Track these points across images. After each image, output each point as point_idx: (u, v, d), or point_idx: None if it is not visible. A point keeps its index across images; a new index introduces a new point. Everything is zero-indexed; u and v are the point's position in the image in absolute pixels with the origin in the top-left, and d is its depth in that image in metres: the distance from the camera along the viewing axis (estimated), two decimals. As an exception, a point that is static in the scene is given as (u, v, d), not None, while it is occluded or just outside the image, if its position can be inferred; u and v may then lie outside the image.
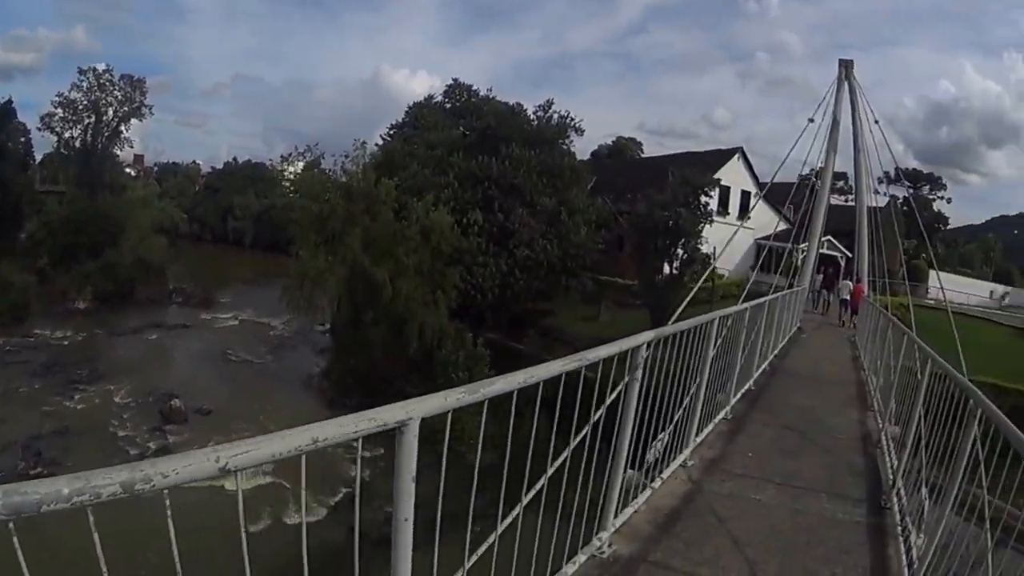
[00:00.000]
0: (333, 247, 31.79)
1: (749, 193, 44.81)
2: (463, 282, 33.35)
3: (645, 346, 4.56)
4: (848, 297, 27.51)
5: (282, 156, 79.56)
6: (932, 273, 46.36)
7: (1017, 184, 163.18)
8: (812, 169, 31.98)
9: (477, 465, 3.00)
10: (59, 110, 50.36)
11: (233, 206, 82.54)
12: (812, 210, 30.79)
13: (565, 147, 40.84)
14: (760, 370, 11.99)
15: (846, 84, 31.37)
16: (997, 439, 3.83)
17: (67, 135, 51.28)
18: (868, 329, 17.03)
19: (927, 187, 76.68)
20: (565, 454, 3.96)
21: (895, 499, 6.54)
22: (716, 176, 38.24)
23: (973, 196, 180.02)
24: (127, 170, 70.21)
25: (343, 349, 32.97)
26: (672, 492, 5.96)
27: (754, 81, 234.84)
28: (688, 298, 16.01)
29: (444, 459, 2.98)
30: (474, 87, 45.30)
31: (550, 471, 3.81)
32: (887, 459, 7.93)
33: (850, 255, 37.40)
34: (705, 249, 34.05)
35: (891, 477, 7.07)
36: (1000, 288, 62.67)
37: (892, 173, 45.48)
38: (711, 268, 30.94)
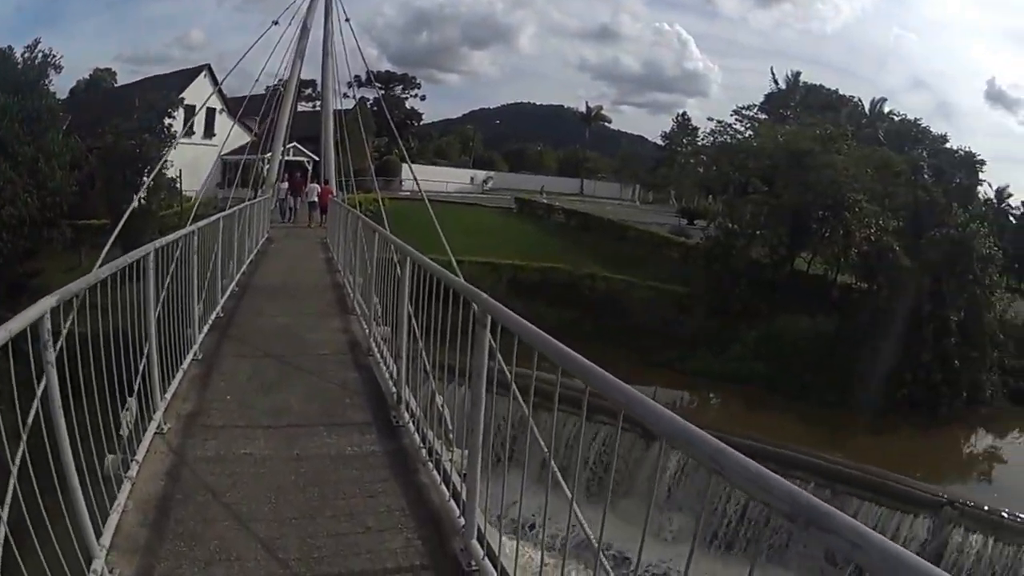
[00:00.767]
0: None
1: (215, 111, 44.95)
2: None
3: (48, 316, 3.38)
4: (316, 199, 28.55)
5: None
6: (406, 166, 47.08)
7: (500, 80, 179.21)
8: (281, 80, 32.06)
9: None
10: None
11: None
12: (276, 119, 31.23)
13: (45, 88, 37.67)
14: (228, 293, 11.07)
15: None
16: (497, 323, 3.65)
17: None
18: (339, 229, 16.25)
19: (400, 87, 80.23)
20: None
21: (405, 412, 6.05)
22: (181, 96, 38.47)
23: (450, 94, 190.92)
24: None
25: None
26: (156, 472, 4.91)
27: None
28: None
29: None
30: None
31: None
32: (383, 368, 7.40)
33: (317, 159, 37.95)
34: (171, 173, 34.28)
35: (394, 389, 6.51)
36: (482, 174, 67.61)
37: (364, 76, 46.25)
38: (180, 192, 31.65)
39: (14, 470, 3.00)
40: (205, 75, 45.93)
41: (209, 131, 43.36)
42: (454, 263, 10.33)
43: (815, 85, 65.89)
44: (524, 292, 31.53)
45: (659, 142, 73.74)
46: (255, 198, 22.58)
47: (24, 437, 3.07)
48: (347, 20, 29.45)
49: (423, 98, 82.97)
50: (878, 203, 34.28)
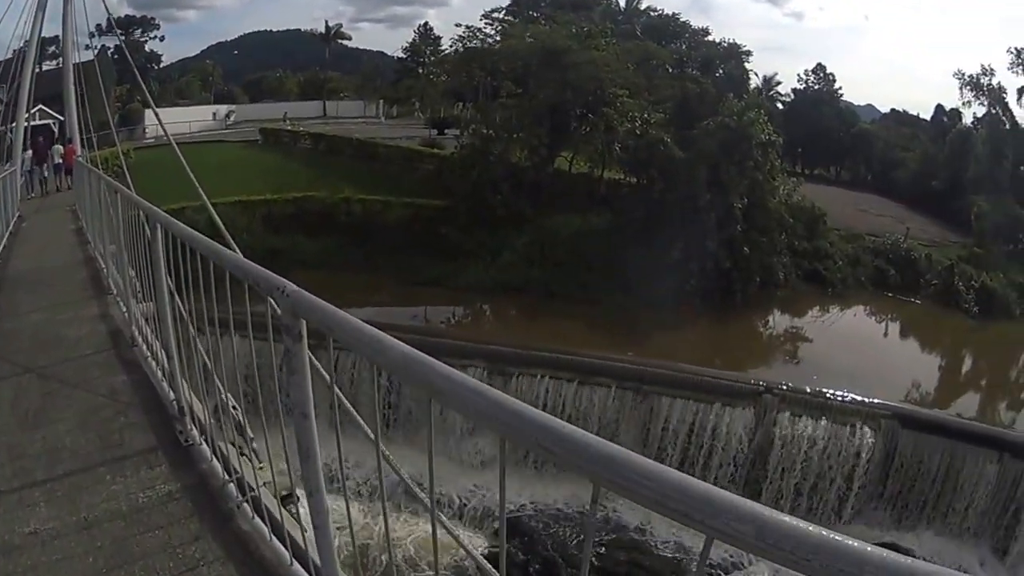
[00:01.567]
0: None
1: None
2: None
3: None
4: (60, 161, 26.77)
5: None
6: (148, 112, 44.44)
7: (237, 10, 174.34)
8: (26, 40, 29.07)
9: None
10: None
11: None
12: (18, 83, 28.58)
13: None
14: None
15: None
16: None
17: None
18: (87, 194, 14.29)
19: (140, 31, 75.79)
20: None
21: (193, 427, 4.72)
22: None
23: (189, 31, 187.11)
24: None
25: None
26: None
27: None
28: None
29: None
30: None
31: None
32: (152, 363, 6.02)
33: (63, 119, 34.11)
34: None
35: (171, 394, 5.09)
36: (223, 108, 64.09)
37: (104, 24, 40.90)
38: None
39: None
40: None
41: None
42: (221, 224, 8.44)
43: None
44: (280, 227, 30.40)
45: (401, 55, 72.18)
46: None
47: None
48: None
49: (162, 39, 79.26)
50: (642, 97, 33.63)
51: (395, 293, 27.57)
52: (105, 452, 4.82)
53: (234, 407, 4.39)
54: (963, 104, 44.38)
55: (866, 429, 18.79)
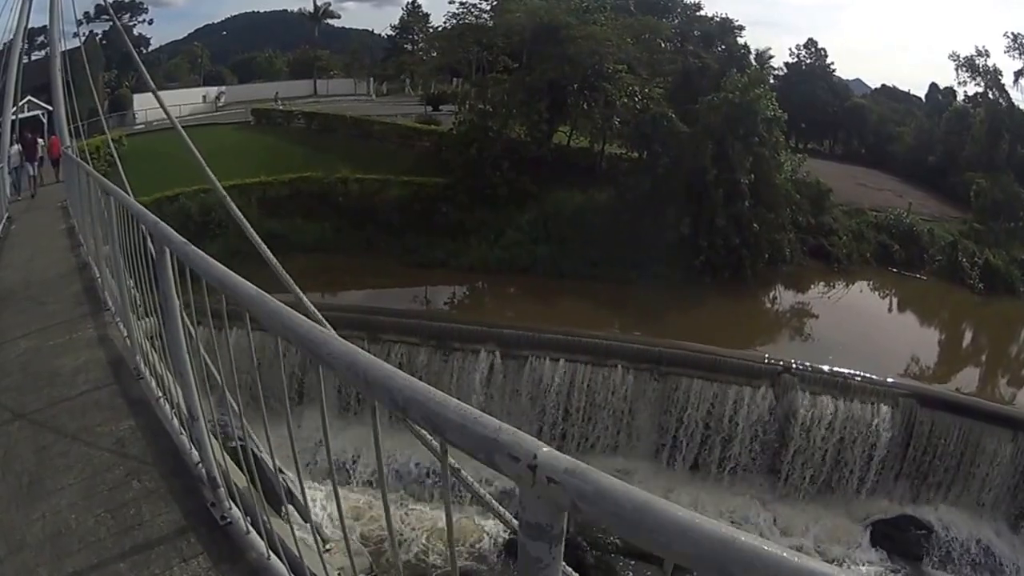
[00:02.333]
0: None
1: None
2: None
3: None
4: (43, 155, 25.72)
5: None
6: (138, 97, 44.79)
7: None
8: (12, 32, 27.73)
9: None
10: None
11: None
12: (4, 74, 26.87)
13: None
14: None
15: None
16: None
17: None
18: (76, 189, 12.90)
19: (128, 15, 73.87)
20: None
21: (228, 501, 3.58)
22: None
23: (176, 14, 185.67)
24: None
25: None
26: None
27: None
28: None
29: None
30: None
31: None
32: (165, 404, 4.87)
33: (51, 109, 32.48)
34: None
35: (195, 452, 4.01)
36: (213, 90, 62.14)
37: (92, 11, 43.64)
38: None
39: None
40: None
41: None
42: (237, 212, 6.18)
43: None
44: (277, 210, 28.85)
45: (390, 33, 72.65)
46: None
47: None
48: None
49: (151, 22, 79.90)
50: (643, 71, 33.04)
51: (397, 275, 26.58)
52: (122, 537, 3.73)
53: (280, 469, 3.54)
54: (959, 84, 44.79)
55: (884, 408, 18.73)
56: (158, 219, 4.09)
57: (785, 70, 55.42)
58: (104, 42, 50.39)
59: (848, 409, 18.68)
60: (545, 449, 1.27)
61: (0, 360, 6.87)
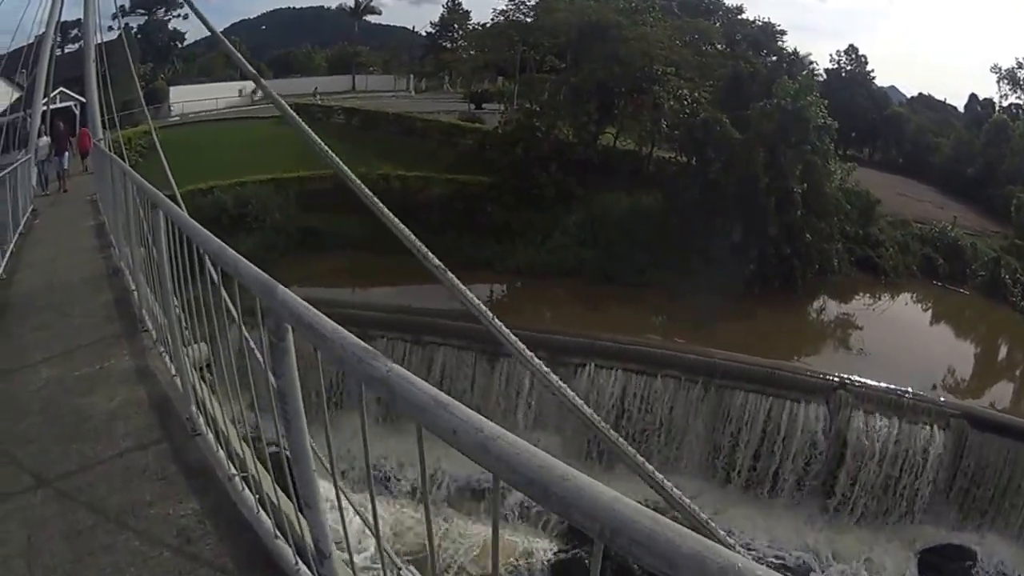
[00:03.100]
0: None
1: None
2: None
3: None
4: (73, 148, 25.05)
5: None
6: (172, 90, 45.13)
7: None
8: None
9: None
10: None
11: None
12: (36, 65, 26.41)
13: None
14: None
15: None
16: None
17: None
18: (107, 184, 11.23)
19: (163, 9, 73.21)
20: None
21: None
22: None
23: (212, 9, 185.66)
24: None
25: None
26: None
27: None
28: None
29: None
30: None
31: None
32: (241, 483, 3.45)
33: (84, 100, 31.84)
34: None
35: (292, 555, 2.85)
36: (249, 85, 62.36)
37: (128, 5, 44.98)
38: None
39: None
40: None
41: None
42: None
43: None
44: (315, 205, 28.36)
45: (429, 30, 71.16)
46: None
47: None
48: None
49: (186, 16, 73.44)
50: (692, 74, 32.70)
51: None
52: None
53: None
54: (1000, 96, 43.95)
55: (936, 429, 18.19)
56: (223, 244, 3.11)
57: (824, 76, 54.71)
58: (139, 36, 51.28)
59: (901, 430, 18.22)
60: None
61: (16, 393, 5.51)
